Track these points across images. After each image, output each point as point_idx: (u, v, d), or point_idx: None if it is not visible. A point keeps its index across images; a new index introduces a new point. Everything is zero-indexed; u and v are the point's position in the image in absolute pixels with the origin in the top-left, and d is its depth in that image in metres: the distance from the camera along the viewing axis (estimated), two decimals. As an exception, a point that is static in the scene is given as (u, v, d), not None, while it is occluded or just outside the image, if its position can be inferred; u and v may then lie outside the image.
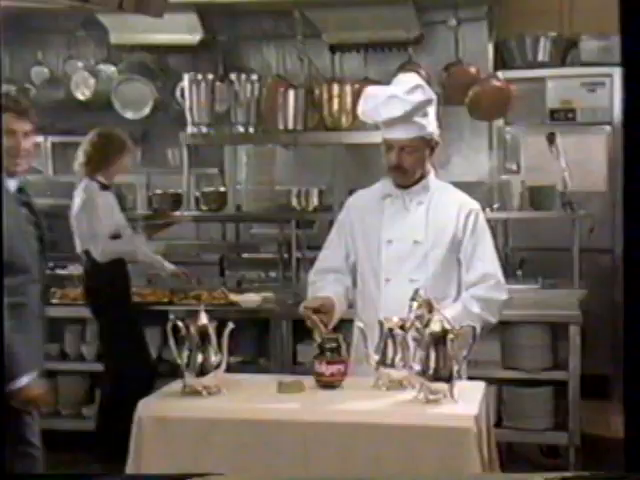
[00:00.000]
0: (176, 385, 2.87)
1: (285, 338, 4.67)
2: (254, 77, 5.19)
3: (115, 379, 4.57)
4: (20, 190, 3.26)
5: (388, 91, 3.11)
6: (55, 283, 5.08)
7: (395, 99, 3.06)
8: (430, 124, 3.14)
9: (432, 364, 2.66)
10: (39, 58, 6.45)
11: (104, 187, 4.59)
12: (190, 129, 5.19)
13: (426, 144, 3.14)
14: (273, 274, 5.47)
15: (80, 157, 4.62)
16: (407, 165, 3.13)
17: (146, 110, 6.10)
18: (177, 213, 5.30)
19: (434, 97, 3.15)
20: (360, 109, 3.19)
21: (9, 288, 3.06)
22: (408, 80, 3.14)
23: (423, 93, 3.09)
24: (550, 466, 4.53)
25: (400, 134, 3.09)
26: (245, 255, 5.79)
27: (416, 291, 2.89)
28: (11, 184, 3.22)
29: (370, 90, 3.19)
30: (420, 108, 3.08)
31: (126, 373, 4.49)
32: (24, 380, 3.05)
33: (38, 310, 3.22)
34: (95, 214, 4.52)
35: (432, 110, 3.15)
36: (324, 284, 3.20)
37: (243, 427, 2.62)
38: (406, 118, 3.06)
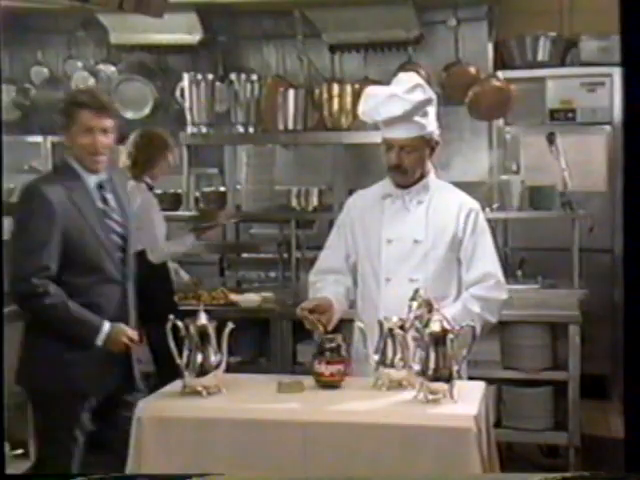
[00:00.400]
0: (176, 385, 2.87)
1: (285, 338, 4.67)
2: (254, 77, 5.19)
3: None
4: (100, 186, 3.24)
5: (388, 90, 3.11)
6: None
7: (395, 98, 3.06)
8: (430, 124, 3.14)
9: (432, 364, 2.66)
10: (39, 58, 6.44)
11: (150, 188, 4.59)
12: (190, 129, 5.18)
13: (426, 144, 3.14)
14: (273, 274, 5.47)
15: (125, 159, 4.59)
16: (407, 165, 3.13)
17: (146, 110, 6.10)
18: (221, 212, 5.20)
19: (434, 97, 3.15)
20: (360, 109, 3.19)
21: (81, 287, 3.11)
22: (408, 79, 3.14)
23: (423, 92, 3.09)
24: (550, 466, 4.53)
25: (400, 133, 3.09)
26: (245, 255, 5.79)
27: (416, 291, 2.89)
28: (91, 180, 3.22)
29: (370, 90, 3.19)
30: (420, 107, 3.08)
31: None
32: (105, 326, 3.12)
33: (115, 312, 3.19)
34: (153, 215, 4.50)
35: (432, 110, 3.15)
36: (324, 285, 3.20)
37: (243, 427, 2.62)
38: (406, 117, 3.06)
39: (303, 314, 3.01)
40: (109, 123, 3.18)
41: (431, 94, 3.13)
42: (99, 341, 3.12)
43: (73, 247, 3.11)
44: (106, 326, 3.13)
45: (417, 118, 3.08)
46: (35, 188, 3.15)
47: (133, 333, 3.20)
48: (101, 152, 3.17)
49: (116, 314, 3.19)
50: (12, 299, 3.12)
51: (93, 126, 3.14)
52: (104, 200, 3.24)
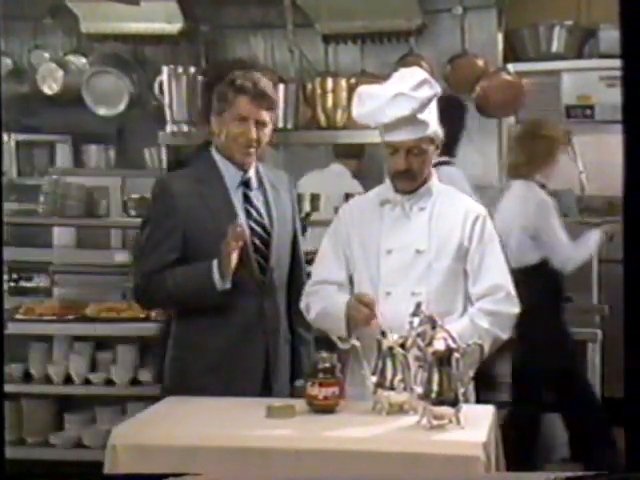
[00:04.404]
0: (153, 409, 2.88)
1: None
2: (240, 70, 5.21)
3: None
4: (245, 184, 3.31)
5: (392, 89, 3.08)
6: (19, 296, 5.10)
7: (401, 97, 3.04)
8: (434, 121, 3.15)
9: (436, 386, 2.67)
10: (1, 47, 6.45)
11: (542, 187, 4.67)
12: (169, 127, 5.18)
13: (432, 143, 3.16)
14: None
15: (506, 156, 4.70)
16: (416, 168, 3.14)
17: (121, 106, 6.11)
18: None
19: (440, 91, 3.16)
20: (356, 111, 3.18)
21: None
22: (412, 74, 3.13)
23: (430, 88, 3.10)
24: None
25: (407, 135, 3.09)
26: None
27: (418, 305, 2.90)
28: (235, 176, 3.29)
29: (366, 90, 3.17)
30: (427, 105, 3.09)
31: None
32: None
33: (247, 324, 3.25)
34: (552, 218, 4.59)
35: (434, 105, 3.17)
36: (330, 292, 3.21)
37: (228, 456, 2.63)
38: (413, 117, 3.07)
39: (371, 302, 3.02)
40: (267, 116, 3.25)
41: (438, 89, 3.13)
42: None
43: (194, 246, 3.20)
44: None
45: (422, 116, 3.10)
46: (161, 181, 3.32)
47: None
48: (252, 145, 3.24)
49: (248, 327, 3.22)
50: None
51: (248, 115, 3.21)
52: (246, 198, 3.30)
